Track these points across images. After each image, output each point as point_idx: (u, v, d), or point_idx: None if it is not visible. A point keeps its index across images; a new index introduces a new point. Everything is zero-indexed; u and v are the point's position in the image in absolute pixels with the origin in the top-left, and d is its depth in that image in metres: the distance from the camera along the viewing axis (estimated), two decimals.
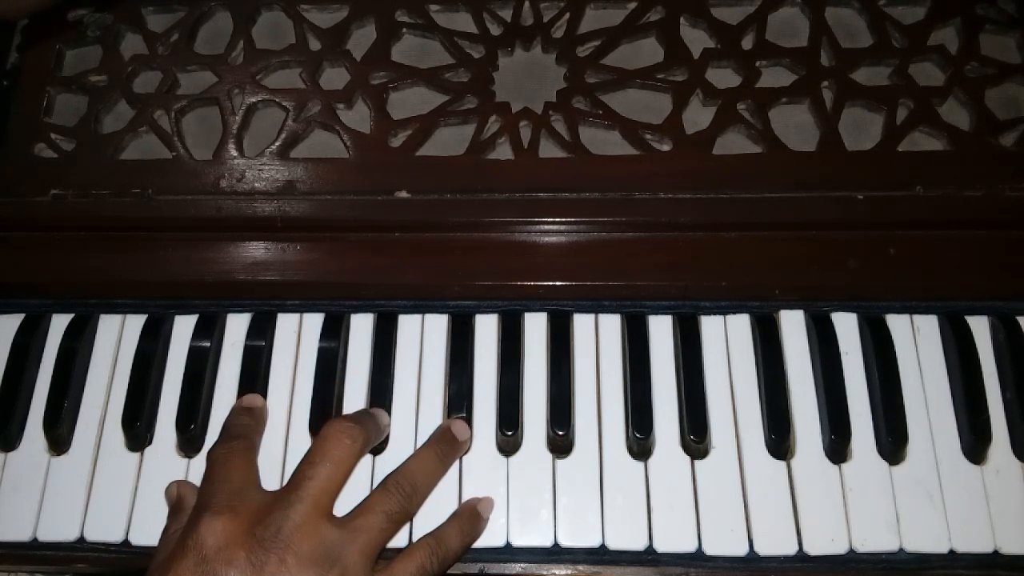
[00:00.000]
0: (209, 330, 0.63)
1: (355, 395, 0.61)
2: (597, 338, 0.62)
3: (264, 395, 0.61)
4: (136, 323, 0.64)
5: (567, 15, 0.69)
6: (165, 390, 0.62)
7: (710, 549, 0.56)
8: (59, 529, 0.58)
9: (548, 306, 0.63)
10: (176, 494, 0.57)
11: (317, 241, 0.64)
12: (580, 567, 0.56)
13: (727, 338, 0.61)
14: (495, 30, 0.70)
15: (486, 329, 0.62)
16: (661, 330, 0.62)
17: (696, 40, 0.69)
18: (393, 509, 0.53)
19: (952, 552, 0.55)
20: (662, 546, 0.56)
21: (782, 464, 0.58)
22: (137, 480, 0.59)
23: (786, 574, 0.55)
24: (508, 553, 0.56)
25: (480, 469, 0.58)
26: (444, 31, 0.70)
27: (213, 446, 0.56)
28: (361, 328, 0.63)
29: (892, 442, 0.57)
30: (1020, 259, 0.61)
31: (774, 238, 0.62)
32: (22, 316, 0.64)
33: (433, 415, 0.60)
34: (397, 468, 0.55)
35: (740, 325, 0.62)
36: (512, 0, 0.70)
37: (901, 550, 0.55)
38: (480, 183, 0.64)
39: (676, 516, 0.56)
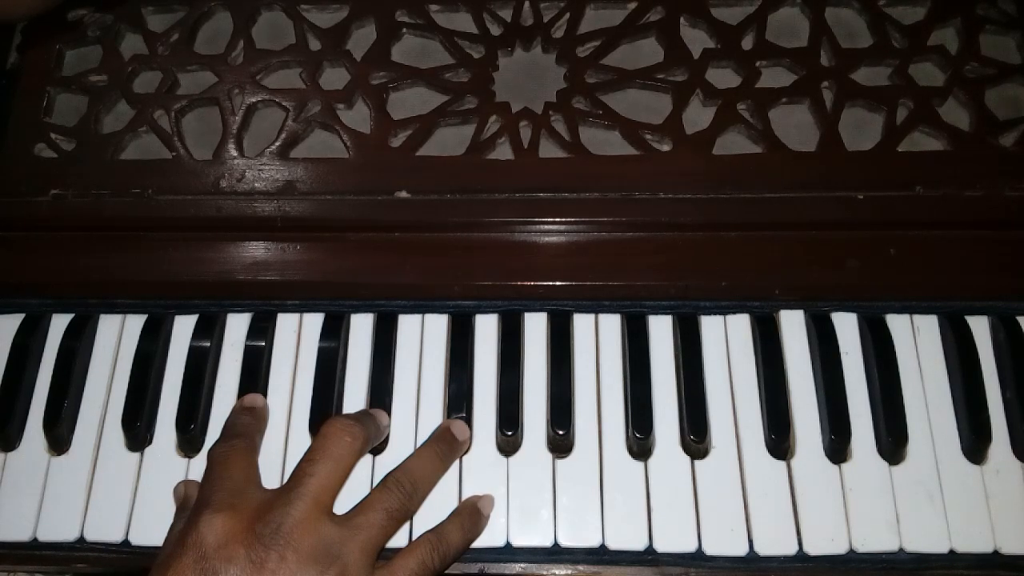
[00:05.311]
0: (209, 330, 0.63)
1: (355, 395, 0.61)
2: (597, 338, 0.62)
3: (264, 395, 0.61)
4: (136, 323, 0.64)
5: (567, 15, 0.69)
6: (165, 390, 0.62)
7: (710, 549, 0.55)
8: (59, 529, 0.58)
9: (548, 306, 0.63)
10: (184, 493, 0.57)
11: (317, 241, 0.64)
12: (580, 567, 0.56)
13: (727, 338, 0.61)
14: (495, 30, 0.70)
15: (486, 329, 0.62)
16: (661, 330, 0.62)
17: (696, 40, 0.69)
18: (393, 506, 0.52)
19: (952, 552, 0.55)
20: (662, 546, 0.56)
21: (782, 464, 0.58)
22: (137, 480, 0.59)
23: (786, 574, 0.55)
24: (508, 553, 0.56)
25: (480, 469, 0.58)
26: (444, 31, 0.70)
27: (213, 445, 0.56)
28: (361, 328, 0.63)
29: (892, 442, 0.57)
30: (1020, 259, 0.61)
31: (774, 238, 0.62)
32: (22, 316, 0.64)
33: (433, 415, 0.60)
34: (397, 466, 0.55)
35: (740, 325, 0.62)
36: (512, 0, 0.70)
37: (901, 550, 0.55)
38: (480, 183, 0.64)
39: (676, 516, 0.56)
